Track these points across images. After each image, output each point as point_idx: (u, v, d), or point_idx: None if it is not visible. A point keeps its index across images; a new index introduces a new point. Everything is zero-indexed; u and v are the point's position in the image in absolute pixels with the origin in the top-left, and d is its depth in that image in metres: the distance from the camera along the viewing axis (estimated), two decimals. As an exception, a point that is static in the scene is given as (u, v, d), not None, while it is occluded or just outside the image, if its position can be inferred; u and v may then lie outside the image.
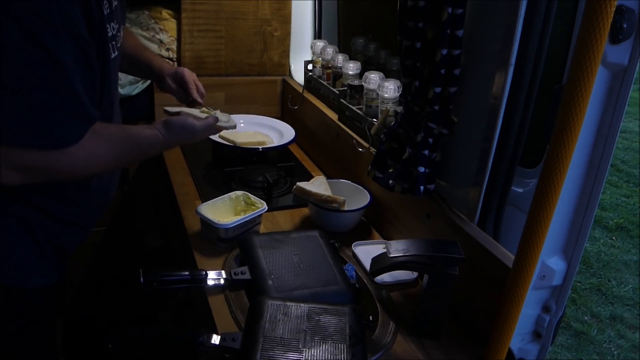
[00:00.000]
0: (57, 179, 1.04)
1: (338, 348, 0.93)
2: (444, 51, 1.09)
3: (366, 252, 1.33)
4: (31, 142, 0.93)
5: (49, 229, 1.12)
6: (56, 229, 1.13)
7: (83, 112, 0.97)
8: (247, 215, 1.34)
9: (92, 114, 1.00)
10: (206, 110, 1.35)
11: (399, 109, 1.35)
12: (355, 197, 1.47)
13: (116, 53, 1.11)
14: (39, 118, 0.92)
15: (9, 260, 1.07)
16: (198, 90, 1.44)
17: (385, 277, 1.22)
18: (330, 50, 1.82)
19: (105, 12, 1.03)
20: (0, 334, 1.10)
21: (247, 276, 1.17)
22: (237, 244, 1.31)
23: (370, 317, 1.07)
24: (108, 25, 1.05)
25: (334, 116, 1.75)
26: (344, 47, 1.97)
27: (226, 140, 1.75)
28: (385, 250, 1.09)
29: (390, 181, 1.26)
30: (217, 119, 1.30)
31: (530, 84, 1.07)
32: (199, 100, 1.43)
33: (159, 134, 1.17)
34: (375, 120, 1.48)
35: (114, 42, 1.09)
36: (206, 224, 1.32)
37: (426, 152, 1.19)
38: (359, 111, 1.57)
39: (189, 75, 1.44)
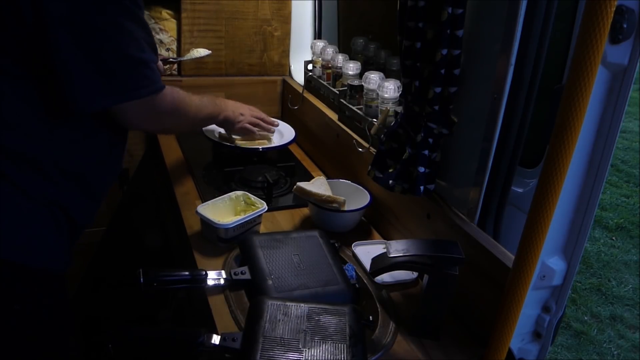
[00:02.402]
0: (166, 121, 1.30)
1: (338, 348, 0.93)
2: (444, 51, 1.09)
3: (366, 252, 1.33)
4: (149, 91, 1.13)
5: (69, 198, 1.14)
6: (75, 198, 1.16)
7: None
8: (247, 215, 1.34)
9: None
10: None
11: (399, 109, 1.36)
12: (355, 197, 1.47)
13: None
14: (146, 71, 1.12)
15: (40, 242, 1.09)
16: None
17: (385, 277, 1.22)
18: (330, 50, 1.82)
19: None
20: (31, 317, 1.10)
21: (247, 276, 1.17)
22: (237, 244, 1.31)
23: (370, 317, 1.07)
24: None
25: (334, 116, 1.75)
26: (344, 47, 1.97)
27: (226, 140, 1.75)
28: (385, 250, 1.09)
29: (390, 181, 1.26)
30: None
31: (530, 84, 1.07)
32: None
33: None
34: (375, 120, 1.48)
35: None
36: (206, 224, 1.32)
37: (426, 152, 1.19)
38: (359, 111, 1.57)
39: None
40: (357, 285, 1.21)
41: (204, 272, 1.17)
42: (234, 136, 1.75)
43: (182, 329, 1.10)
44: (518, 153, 1.13)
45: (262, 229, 1.42)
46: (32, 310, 1.09)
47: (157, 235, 1.93)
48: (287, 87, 2.15)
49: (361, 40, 1.86)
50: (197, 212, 1.33)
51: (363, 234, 1.47)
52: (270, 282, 1.13)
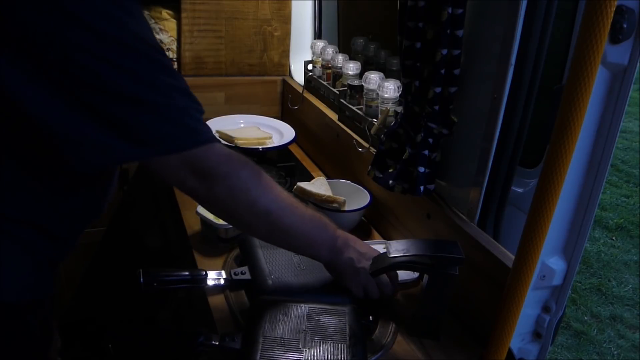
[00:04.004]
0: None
1: (338, 348, 0.93)
2: (444, 51, 1.09)
3: (366, 252, 1.33)
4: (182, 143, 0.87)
5: (45, 245, 1.05)
6: (51, 244, 1.06)
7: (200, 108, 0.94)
8: (247, 215, 1.34)
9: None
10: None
11: (399, 109, 1.36)
12: (355, 197, 1.47)
13: None
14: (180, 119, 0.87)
15: (5, 276, 1.01)
16: None
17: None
18: (330, 50, 1.82)
19: None
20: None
21: (247, 276, 1.17)
22: (237, 244, 1.31)
23: (370, 317, 1.07)
24: None
25: (334, 116, 1.75)
26: (344, 47, 1.97)
27: (226, 140, 1.75)
28: (385, 250, 1.09)
29: (390, 181, 1.26)
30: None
31: (530, 84, 1.07)
32: None
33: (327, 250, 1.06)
34: (375, 120, 1.48)
35: None
36: (206, 224, 1.32)
37: (426, 152, 1.19)
38: (359, 111, 1.57)
39: None
40: (357, 285, 1.20)
41: (204, 272, 1.17)
42: (233, 136, 1.74)
43: (182, 329, 1.10)
44: (518, 153, 1.13)
45: (262, 229, 1.42)
46: None
47: (157, 235, 1.93)
48: (287, 87, 2.15)
49: (361, 40, 1.86)
50: (197, 212, 1.33)
51: (363, 234, 1.46)
52: (270, 282, 1.13)
